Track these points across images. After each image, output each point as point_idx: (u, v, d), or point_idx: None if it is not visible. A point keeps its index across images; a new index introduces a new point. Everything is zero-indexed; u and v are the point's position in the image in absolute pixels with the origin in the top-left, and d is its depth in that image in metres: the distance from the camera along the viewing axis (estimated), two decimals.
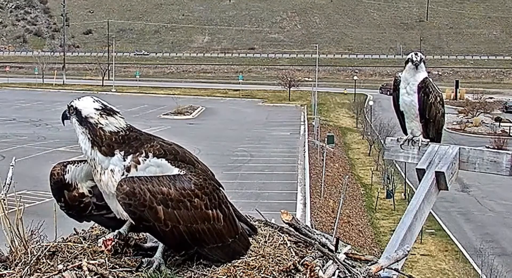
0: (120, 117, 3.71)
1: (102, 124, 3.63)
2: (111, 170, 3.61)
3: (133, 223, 3.66)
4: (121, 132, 3.65)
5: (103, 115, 3.66)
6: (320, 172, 42.88)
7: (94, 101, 3.71)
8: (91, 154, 3.63)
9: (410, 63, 6.57)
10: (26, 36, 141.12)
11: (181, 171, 3.66)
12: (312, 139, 53.95)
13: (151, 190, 3.52)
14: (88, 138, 3.63)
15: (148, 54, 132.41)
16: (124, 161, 3.61)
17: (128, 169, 3.60)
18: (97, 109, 3.67)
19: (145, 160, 3.63)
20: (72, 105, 3.72)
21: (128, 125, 3.71)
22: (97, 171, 3.64)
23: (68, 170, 3.94)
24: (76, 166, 3.95)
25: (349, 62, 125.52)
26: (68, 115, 3.75)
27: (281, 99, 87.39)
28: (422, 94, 6.54)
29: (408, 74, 6.60)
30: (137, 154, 3.62)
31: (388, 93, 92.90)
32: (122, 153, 3.61)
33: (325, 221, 34.50)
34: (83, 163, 3.94)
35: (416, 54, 6.62)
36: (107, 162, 3.61)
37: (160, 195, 3.53)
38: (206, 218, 3.66)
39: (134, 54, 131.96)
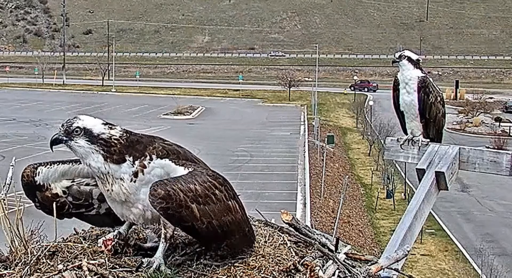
0: (116, 125, 3.77)
1: (115, 135, 3.65)
2: (121, 179, 3.64)
3: (172, 226, 3.69)
4: (124, 136, 3.68)
5: (112, 127, 3.69)
6: (320, 172, 42.89)
7: (95, 118, 3.74)
8: (105, 169, 3.63)
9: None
10: (26, 36, 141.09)
11: (187, 168, 3.69)
12: (312, 138, 53.96)
13: (183, 189, 3.56)
14: (101, 154, 3.62)
15: (284, 55, 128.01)
16: (133, 166, 3.65)
17: (135, 174, 3.64)
18: (105, 124, 3.69)
19: (149, 162, 3.66)
20: (78, 127, 3.63)
21: (126, 129, 3.76)
22: (108, 182, 3.66)
23: (39, 172, 3.97)
24: (48, 168, 3.98)
25: (349, 62, 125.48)
26: (66, 139, 3.65)
27: (281, 99, 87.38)
28: (422, 94, 6.52)
29: (399, 73, 6.63)
30: (142, 157, 3.66)
31: (367, 89, 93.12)
32: (131, 158, 3.64)
33: (325, 221, 34.52)
34: (57, 164, 3.98)
35: (400, 52, 6.64)
36: (119, 171, 3.63)
37: (190, 192, 3.57)
38: (229, 209, 3.74)
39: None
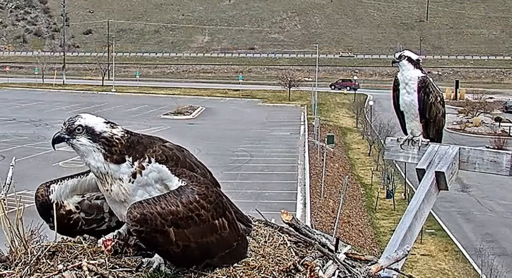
0: (117, 124, 3.75)
1: (117, 134, 3.64)
2: (120, 179, 3.63)
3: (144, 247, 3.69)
4: (126, 136, 3.67)
5: (113, 126, 3.68)
6: (320, 172, 42.88)
7: (96, 116, 3.72)
8: (104, 168, 3.62)
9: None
10: (26, 36, 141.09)
11: (181, 181, 3.65)
12: (312, 138, 53.95)
13: (161, 213, 3.49)
14: (102, 153, 3.61)
15: (354, 56, 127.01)
16: (132, 167, 3.63)
17: (134, 175, 3.63)
18: (106, 123, 3.68)
19: (148, 165, 3.65)
20: (80, 125, 3.63)
21: (127, 130, 3.75)
22: (108, 182, 3.65)
23: (52, 190, 3.94)
24: (59, 185, 3.96)
25: (349, 62, 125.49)
26: (68, 137, 3.64)
27: (281, 99, 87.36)
28: (422, 94, 6.52)
29: (399, 73, 6.63)
30: (142, 159, 3.65)
31: (349, 88, 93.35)
32: (131, 159, 3.63)
33: (325, 221, 34.51)
34: (66, 180, 3.97)
35: (400, 52, 6.65)
36: (118, 171, 3.62)
37: (170, 216, 3.50)
38: (214, 229, 3.65)
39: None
